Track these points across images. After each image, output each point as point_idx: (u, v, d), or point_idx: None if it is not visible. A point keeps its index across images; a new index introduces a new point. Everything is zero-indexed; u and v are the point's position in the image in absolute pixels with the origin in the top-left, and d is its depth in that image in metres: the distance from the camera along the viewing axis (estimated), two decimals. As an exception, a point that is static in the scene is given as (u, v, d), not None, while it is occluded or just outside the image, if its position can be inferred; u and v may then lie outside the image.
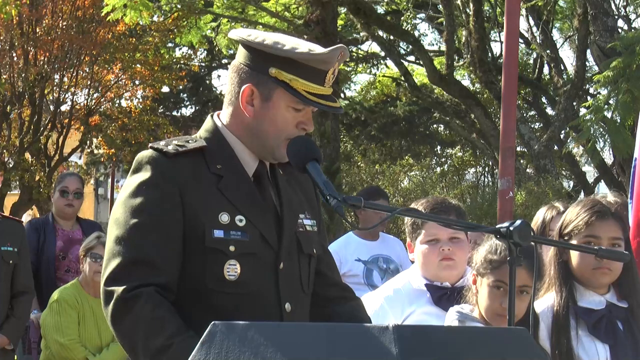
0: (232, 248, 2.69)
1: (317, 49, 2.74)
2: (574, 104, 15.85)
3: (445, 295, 3.72)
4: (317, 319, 2.90)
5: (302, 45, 2.73)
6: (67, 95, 19.66)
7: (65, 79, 19.17)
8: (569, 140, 16.70)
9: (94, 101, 20.09)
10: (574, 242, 3.37)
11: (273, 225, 2.78)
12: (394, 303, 3.77)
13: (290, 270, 2.79)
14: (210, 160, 2.77)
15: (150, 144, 2.80)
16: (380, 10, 20.25)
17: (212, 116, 2.88)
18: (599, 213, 3.38)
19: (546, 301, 3.42)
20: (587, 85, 17.30)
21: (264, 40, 2.74)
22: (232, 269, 2.70)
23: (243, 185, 2.77)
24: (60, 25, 18.63)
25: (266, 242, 2.75)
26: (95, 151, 22.65)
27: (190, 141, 2.79)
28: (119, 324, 2.64)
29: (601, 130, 11.52)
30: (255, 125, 2.77)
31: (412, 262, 3.93)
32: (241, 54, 2.80)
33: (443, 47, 18.77)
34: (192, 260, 2.70)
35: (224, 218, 2.71)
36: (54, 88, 19.18)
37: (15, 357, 6.27)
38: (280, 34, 2.85)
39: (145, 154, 2.75)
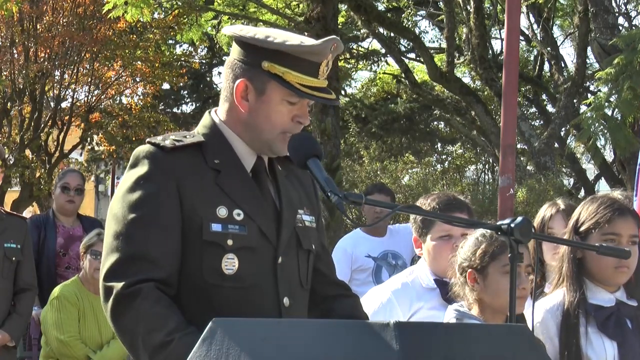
0: (230, 242, 2.68)
1: (309, 41, 2.73)
2: (575, 101, 15.84)
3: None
4: (314, 316, 2.89)
5: (294, 38, 2.73)
6: (67, 92, 19.66)
7: (66, 76, 19.16)
8: (569, 140, 16.70)
9: (94, 98, 20.07)
10: (591, 239, 3.32)
11: (272, 220, 2.77)
12: (402, 297, 3.73)
13: (289, 265, 2.78)
14: (208, 155, 2.76)
15: (147, 139, 2.78)
16: (381, 7, 20.24)
17: (209, 112, 2.87)
18: (620, 211, 3.35)
19: (555, 298, 3.40)
20: (588, 83, 17.29)
21: (255, 34, 2.73)
22: (230, 263, 2.69)
23: (241, 180, 2.77)
24: (61, 22, 18.62)
25: (264, 236, 2.74)
26: (96, 148, 22.66)
27: (188, 136, 2.78)
28: (119, 320, 2.62)
29: (602, 127, 11.49)
30: (251, 120, 2.76)
31: (419, 257, 3.91)
32: (235, 50, 2.80)
33: (444, 45, 18.77)
34: (190, 254, 2.69)
35: (222, 212, 2.70)
36: (55, 85, 19.17)
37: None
38: (271, 29, 2.84)
39: (142, 148, 2.75)
